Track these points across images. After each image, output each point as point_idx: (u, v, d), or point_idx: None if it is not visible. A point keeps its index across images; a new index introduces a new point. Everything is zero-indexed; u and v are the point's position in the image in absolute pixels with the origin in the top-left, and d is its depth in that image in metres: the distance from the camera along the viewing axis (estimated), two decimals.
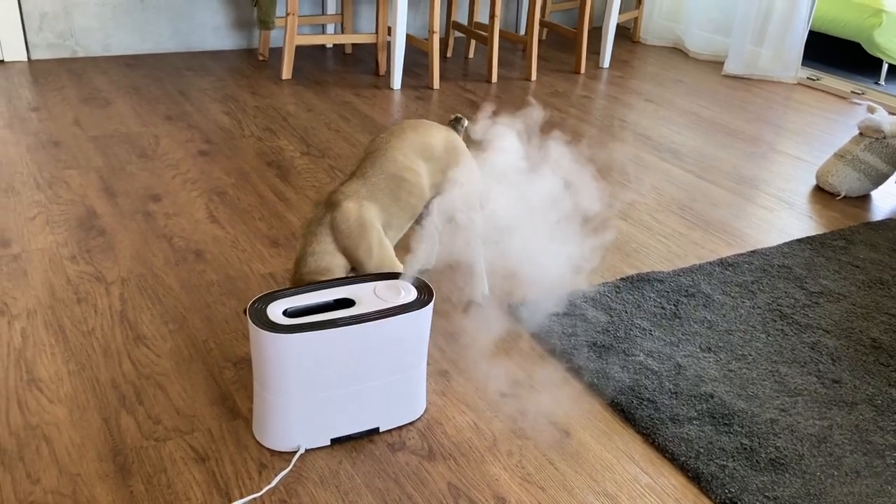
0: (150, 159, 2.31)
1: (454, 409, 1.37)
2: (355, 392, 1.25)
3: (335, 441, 1.27)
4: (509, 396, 1.41)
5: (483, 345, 1.55)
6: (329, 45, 3.78)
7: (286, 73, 3.18)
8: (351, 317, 1.20)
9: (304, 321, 1.17)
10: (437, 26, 3.17)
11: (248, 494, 1.16)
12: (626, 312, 1.68)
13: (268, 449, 1.24)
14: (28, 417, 1.27)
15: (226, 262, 1.78)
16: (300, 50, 3.63)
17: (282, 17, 3.41)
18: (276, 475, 1.19)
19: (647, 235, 2.07)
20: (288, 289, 1.25)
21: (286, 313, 1.20)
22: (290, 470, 1.21)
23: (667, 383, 1.46)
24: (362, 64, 3.52)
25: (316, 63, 3.47)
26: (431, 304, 1.27)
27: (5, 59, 3.12)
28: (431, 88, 3.23)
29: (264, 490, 1.16)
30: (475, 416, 1.36)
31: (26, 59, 3.16)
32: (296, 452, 1.24)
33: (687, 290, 1.79)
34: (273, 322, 1.17)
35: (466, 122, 1.59)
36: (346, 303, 1.25)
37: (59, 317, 1.54)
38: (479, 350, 1.54)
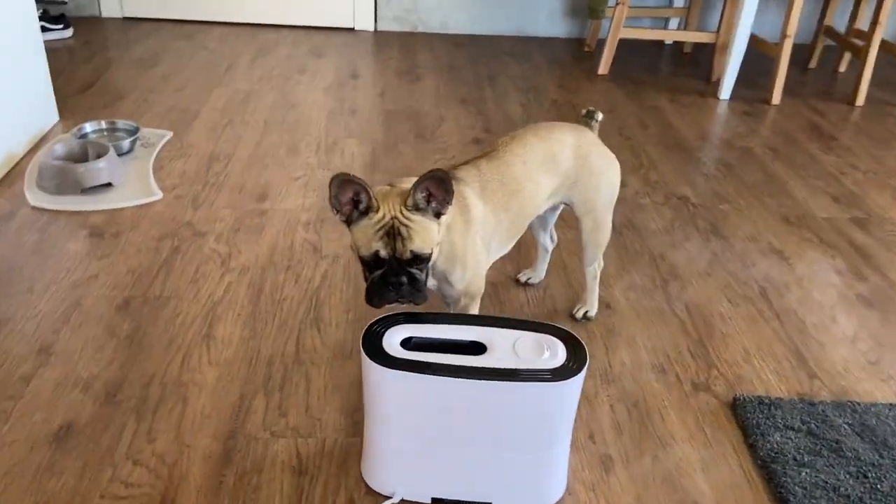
0: (425, 140, 2.29)
1: None
2: (468, 455, 1.04)
3: (437, 501, 1.08)
4: None
5: (672, 431, 1.22)
6: (668, 42, 3.43)
7: (603, 68, 2.95)
8: (473, 368, 0.99)
9: (417, 358, 1.00)
10: (792, 29, 2.66)
11: None
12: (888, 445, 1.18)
13: (366, 484, 1.11)
14: (182, 373, 1.31)
15: None
16: (634, 45, 3.34)
17: (612, 7, 3.16)
18: None
19: None
20: (421, 314, 1.09)
21: (406, 344, 1.04)
22: None
23: None
24: (696, 67, 3.13)
25: (645, 60, 3.17)
26: (583, 373, 1.00)
27: (356, 27, 3.40)
28: (768, 104, 2.73)
29: None
30: None
31: (372, 30, 3.40)
32: (390, 498, 1.08)
33: None
34: (384, 351, 1.02)
35: (601, 116, 1.35)
36: (478, 347, 1.04)
37: (263, 279, 1.58)
38: (663, 438, 1.21)
